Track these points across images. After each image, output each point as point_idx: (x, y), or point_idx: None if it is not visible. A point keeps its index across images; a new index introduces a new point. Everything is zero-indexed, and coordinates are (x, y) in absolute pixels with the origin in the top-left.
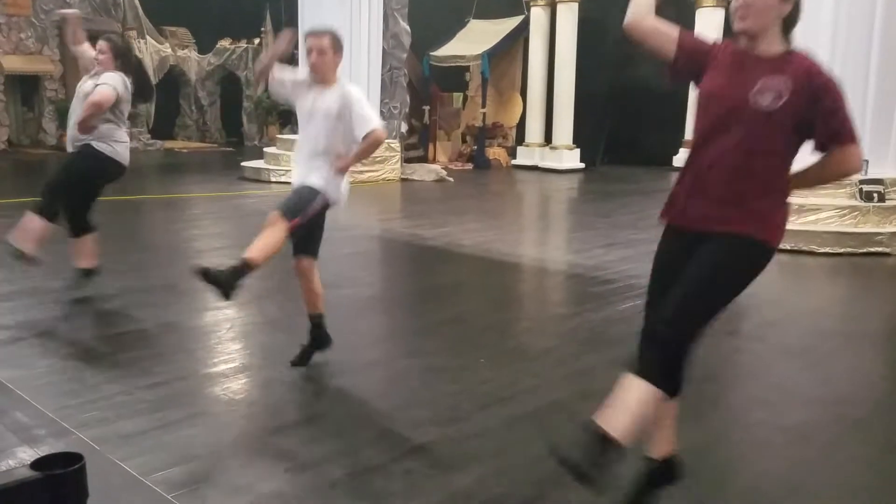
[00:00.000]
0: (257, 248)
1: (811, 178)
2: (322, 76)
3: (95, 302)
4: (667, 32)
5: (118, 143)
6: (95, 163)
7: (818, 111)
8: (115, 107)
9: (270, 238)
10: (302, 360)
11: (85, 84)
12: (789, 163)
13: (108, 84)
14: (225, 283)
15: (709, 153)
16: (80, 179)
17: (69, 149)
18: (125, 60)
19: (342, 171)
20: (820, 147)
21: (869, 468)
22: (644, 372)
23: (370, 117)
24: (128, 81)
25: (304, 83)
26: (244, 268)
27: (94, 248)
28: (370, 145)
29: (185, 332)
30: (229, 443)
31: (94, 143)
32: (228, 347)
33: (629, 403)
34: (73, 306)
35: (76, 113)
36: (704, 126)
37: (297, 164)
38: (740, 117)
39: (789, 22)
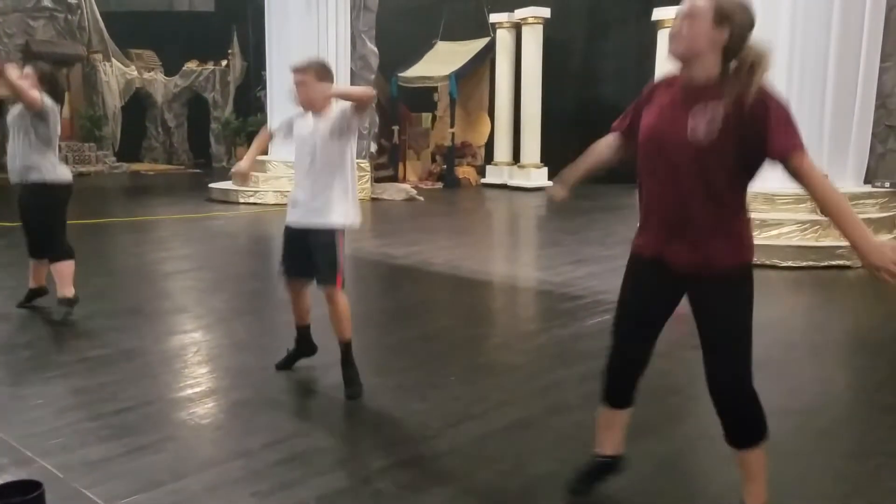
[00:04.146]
0: (346, 328)
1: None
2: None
3: (60, 327)
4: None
5: (59, 167)
6: (52, 196)
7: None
8: (52, 132)
9: (345, 310)
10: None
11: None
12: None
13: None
14: (356, 386)
15: None
16: (52, 214)
17: (14, 179)
18: (52, 87)
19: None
20: None
21: (833, 477)
22: (740, 443)
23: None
24: (57, 109)
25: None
26: (348, 349)
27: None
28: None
29: (151, 357)
30: (195, 468)
31: (46, 177)
32: (195, 371)
33: (755, 473)
34: (36, 331)
35: (20, 145)
36: None
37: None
38: None
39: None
